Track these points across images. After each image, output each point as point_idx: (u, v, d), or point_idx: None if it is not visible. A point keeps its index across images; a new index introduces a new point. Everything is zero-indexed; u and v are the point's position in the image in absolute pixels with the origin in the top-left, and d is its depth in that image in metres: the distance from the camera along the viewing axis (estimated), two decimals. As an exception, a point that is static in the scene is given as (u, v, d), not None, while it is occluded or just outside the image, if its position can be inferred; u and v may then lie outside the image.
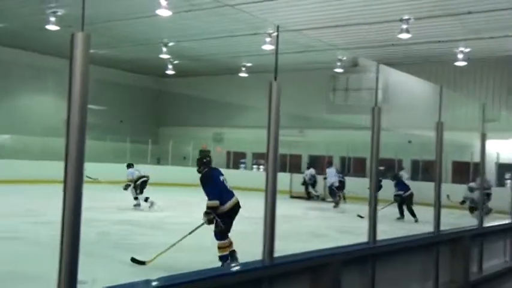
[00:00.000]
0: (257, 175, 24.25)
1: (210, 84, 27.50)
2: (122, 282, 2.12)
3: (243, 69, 24.93)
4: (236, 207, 6.40)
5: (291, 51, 18.31)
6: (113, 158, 22.12)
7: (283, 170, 21.33)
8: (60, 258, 1.74)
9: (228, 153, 28.25)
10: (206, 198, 6.23)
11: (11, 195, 14.45)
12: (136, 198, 13.52)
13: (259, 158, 27.26)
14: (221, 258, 6.25)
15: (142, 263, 6.19)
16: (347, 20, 16.69)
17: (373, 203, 3.97)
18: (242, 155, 28.22)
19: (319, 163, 22.77)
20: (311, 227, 12.04)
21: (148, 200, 13.23)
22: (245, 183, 23.07)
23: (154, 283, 2.26)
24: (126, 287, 2.10)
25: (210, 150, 28.98)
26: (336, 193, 17.69)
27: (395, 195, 14.21)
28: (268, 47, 17.97)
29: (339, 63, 22.00)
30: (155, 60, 24.09)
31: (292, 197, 20.12)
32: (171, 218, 11.75)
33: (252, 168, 27.64)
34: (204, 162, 6.62)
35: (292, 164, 22.37)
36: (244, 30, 17.60)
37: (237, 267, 2.87)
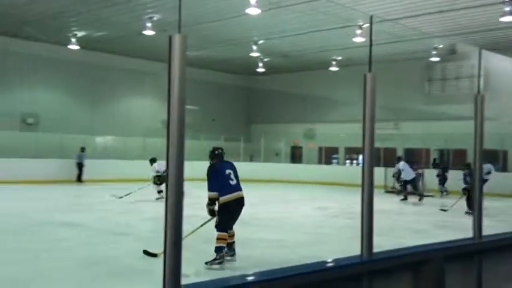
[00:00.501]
0: (350, 170, 23.90)
1: (300, 80, 27.48)
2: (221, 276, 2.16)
3: (334, 63, 24.61)
4: (238, 201, 6.31)
5: (383, 42, 17.81)
6: (207, 157, 22.83)
7: (377, 164, 20.85)
8: (164, 252, 1.81)
9: (320, 148, 28.08)
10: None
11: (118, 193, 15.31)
12: (161, 191, 13.93)
13: (351, 152, 26.83)
14: (216, 249, 6.17)
15: (154, 255, 6.27)
16: (443, 6, 15.92)
17: (478, 196, 3.76)
18: (334, 150, 27.91)
19: (414, 156, 21.98)
20: (408, 222, 11.65)
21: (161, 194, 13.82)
22: (339, 178, 22.94)
23: (250, 278, 2.27)
24: (221, 282, 2.13)
25: (302, 147, 29.00)
26: (407, 187, 17.12)
27: (463, 189, 13.58)
28: (359, 39, 17.60)
29: (434, 52, 21.07)
30: (246, 59, 24.47)
31: (387, 191, 19.60)
32: (263, 213, 11.86)
33: (344, 163, 27.26)
34: (216, 155, 6.72)
35: (386, 158, 21.79)
36: (334, 23, 17.38)
37: (334, 263, 2.79)
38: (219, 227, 6.24)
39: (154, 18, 17.71)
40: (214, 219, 6.32)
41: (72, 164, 21.06)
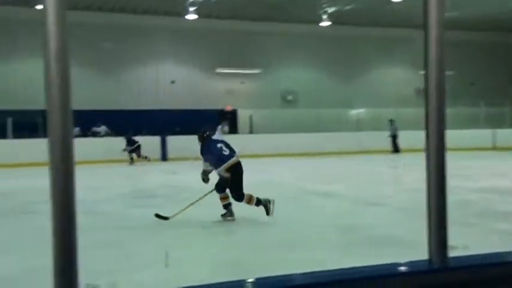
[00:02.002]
0: None
1: None
2: (490, 251, 1.95)
3: None
4: (233, 167, 7.07)
5: None
6: (466, 124, 21.34)
7: None
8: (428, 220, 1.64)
9: None
10: None
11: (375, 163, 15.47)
12: None
13: None
14: (224, 206, 7.13)
15: (166, 218, 6.98)
16: None
17: None
18: None
19: None
20: None
21: None
22: None
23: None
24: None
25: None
26: None
27: None
28: None
29: None
30: (505, 13, 21.92)
31: None
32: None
33: None
34: (205, 138, 7.45)
35: None
36: None
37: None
38: (218, 190, 7.14)
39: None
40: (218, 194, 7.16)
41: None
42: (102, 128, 19.85)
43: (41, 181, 10.11)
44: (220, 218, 7.12)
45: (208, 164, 7.27)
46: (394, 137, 21.51)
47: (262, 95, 24.15)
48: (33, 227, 6.85)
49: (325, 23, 22.44)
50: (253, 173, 13.38)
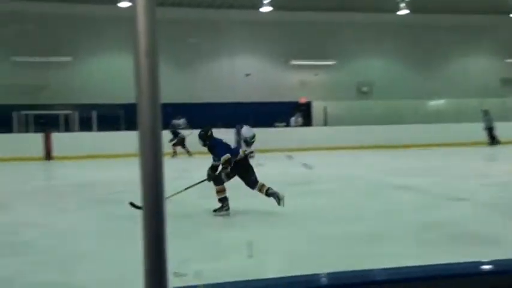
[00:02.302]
0: None
1: None
2: None
3: None
4: (239, 161, 7.18)
5: None
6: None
7: None
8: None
9: None
10: None
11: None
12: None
13: None
14: (220, 200, 7.07)
15: (139, 207, 5.87)
16: None
17: None
18: None
19: None
20: None
21: None
22: None
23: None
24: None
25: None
26: None
27: None
28: None
29: None
30: None
31: None
32: None
33: None
34: (208, 136, 7.41)
35: None
36: None
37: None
38: (217, 182, 7.13)
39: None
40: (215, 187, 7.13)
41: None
42: (182, 121, 20.39)
43: (123, 172, 10.58)
44: (215, 213, 7.05)
45: (218, 159, 7.23)
46: (490, 129, 20.24)
47: (336, 86, 23.86)
48: (116, 215, 7.20)
49: (402, 12, 21.75)
50: (330, 167, 13.37)
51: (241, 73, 22.98)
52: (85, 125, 19.31)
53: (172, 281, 1.08)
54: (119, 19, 20.03)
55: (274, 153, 15.98)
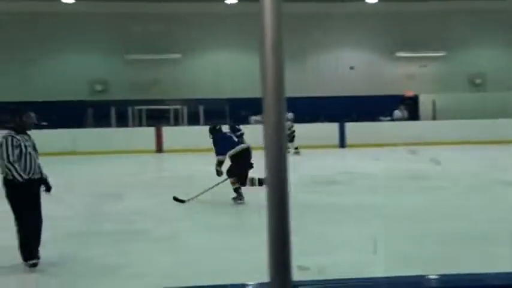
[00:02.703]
0: None
1: None
2: None
3: None
4: (242, 152, 7.85)
5: None
6: None
7: None
8: None
9: None
10: None
11: None
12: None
13: None
14: (234, 190, 7.73)
15: (182, 201, 7.76)
16: None
17: None
18: None
19: None
20: None
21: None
22: None
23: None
24: None
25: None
26: None
27: None
28: None
29: None
30: None
31: None
32: None
33: None
34: (216, 130, 8.36)
35: None
36: None
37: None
38: (229, 174, 7.80)
39: None
40: (228, 179, 7.83)
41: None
42: (290, 115, 20.56)
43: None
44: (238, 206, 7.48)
45: (221, 155, 7.85)
46: None
47: (446, 78, 22.68)
48: (226, 208, 7.42)
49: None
50: (443, 162, 12.63)
51: (346, 66, 22.63)
52: (192, 119, 20.06)
53: (295, 274, 1.08)
54: (227, 16, 20.64)
55: (390, 147, 15.62)
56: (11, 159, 4.65)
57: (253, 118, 19.85)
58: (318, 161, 15.14)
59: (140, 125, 20.56)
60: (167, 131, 18.77)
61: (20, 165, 4.69)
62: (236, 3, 19.33)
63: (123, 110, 20.23)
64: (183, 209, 7.68)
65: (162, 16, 20.91)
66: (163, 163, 16.73)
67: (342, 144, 19.54)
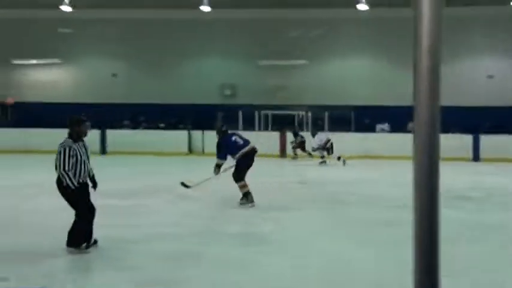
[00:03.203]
0: None
1: None
2: None
3: None
4: (247, 154, 8.15)
5: None
6: None
7: None
8: None
9: None
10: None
11: None
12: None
13: None
14: (244, 194, 8.04)
15: (188, 186, 8.45)
16: None
17: None
18: None
19: None
20: None
21: None
22: None
23: None
24: None
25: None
26: None
27: None
28: None
29: None
30: None
31: None
32: None
33: None
34: (223, 131, 8.42)
35: None
36: None
37: None
38: (237, 179, 8.02)
39: None
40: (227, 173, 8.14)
41: None
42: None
43: (353, 174, 10.78)
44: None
45: (221, 159, 8.11)
46: None
47: None
48: (345, 215, 7.33)
49: None
50: None
51: (483, 75, 21.08)
52: (317, 125, 20.04)
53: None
54: (356, 21, 20.27)
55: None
56: (66, 168, 5.35)
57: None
58: (448, 174, 14.30)
59: (266, 129, 20.99)
60: (290, 136, 18.81)
61: (72, 173, 5.37)
62: (367, 9, 18.84)
63: (251, 114, 20.77)
64: (303, 216, 7.67)
65: (292, 22, 21.12)
66: (286, 167, 16.73)
67: (476, 157, 18.27)
